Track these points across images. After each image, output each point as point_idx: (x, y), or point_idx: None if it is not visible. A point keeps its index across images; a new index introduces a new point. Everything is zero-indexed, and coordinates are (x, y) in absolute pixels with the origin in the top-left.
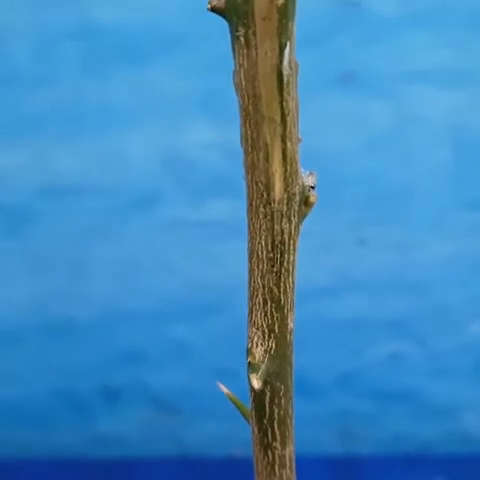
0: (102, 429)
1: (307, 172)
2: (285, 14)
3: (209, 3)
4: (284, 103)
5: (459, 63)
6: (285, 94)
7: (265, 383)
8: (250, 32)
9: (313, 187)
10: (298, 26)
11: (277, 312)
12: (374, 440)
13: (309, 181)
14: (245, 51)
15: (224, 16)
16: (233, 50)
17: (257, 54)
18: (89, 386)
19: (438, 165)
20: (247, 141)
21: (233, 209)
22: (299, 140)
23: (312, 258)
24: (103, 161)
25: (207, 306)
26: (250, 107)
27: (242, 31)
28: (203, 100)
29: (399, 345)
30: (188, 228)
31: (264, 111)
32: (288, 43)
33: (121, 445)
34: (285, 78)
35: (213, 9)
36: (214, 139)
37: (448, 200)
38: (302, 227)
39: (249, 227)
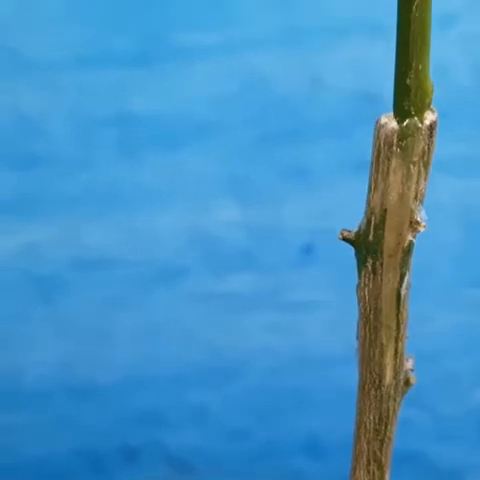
0: None
1: (407, 357)
2: (408, 253)
3: (341, 233)
4: (399, 315)
5: (471, 154)
6: (401, 308)
7: None
8: (377, 263)
9: (412, 370)
10: (319, 118)
11: (378, 470)
12: None
13: (409, 365)
14: (371, 276)
15: (353, 245)
16: (359, 270)
17: (382, 279)
18: (109, 446)
19: (447, 245)
20: (365, 340)
21: (252, 282)
22: (406, 338)
23: (329, 329)
24: (132, 237)
25: (225, 372)
26: (371, 316)
27: (370, 262)
28: (229, 183)
29: (407, 410)
30: (210, 300)
31: (383, 320)
32: (407, 272)
33: None
34: (402, 297)
35: (344, 239)
36: (237, 218)
37: (456, 277)
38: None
39: (359, 403)
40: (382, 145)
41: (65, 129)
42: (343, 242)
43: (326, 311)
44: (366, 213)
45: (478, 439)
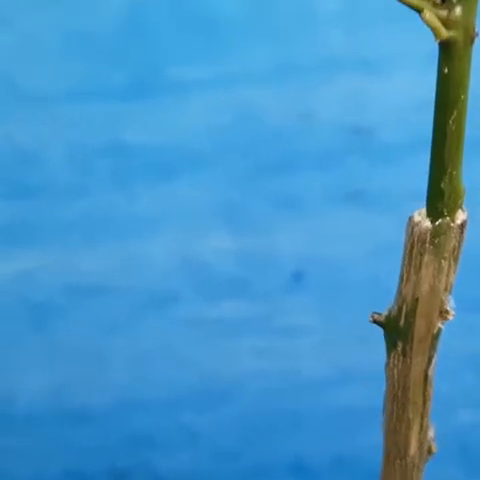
0: None
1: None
2: (437, 338)
3: (371, 316)
4: (426, 392)
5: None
6: (428, 386)
7: None
8: (407, 347)
9: (434, 439)
10: (311, 149)
11: None
12: None
13: (431, 434)
14: (401, 358)
15: (383, 327)
16: (388, 351)
17: (411, 362)
18: (101, 468)
19: None
20: (392, 415)
21: (244, 308)
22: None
23: (319, 353)
24: (126, 264)
25: (217, 396)
26: (399, 393)
27: (400, 345)
28: (222, 212)
29: None
30: (202, 325)
31: (410, 397)
32: (434, 355)
33: None
34: (429, 377)
35: (375, 321)
36: (229, 246)
37: None
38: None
39: (384, 471)
40: (415, 241)
41: (61, 159)
42: (332, 269)
43: (316, 336)
44: (397, 301)
45: (461, 460)
